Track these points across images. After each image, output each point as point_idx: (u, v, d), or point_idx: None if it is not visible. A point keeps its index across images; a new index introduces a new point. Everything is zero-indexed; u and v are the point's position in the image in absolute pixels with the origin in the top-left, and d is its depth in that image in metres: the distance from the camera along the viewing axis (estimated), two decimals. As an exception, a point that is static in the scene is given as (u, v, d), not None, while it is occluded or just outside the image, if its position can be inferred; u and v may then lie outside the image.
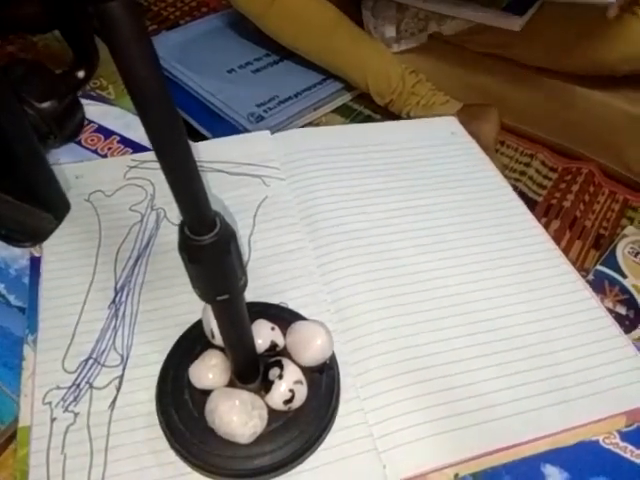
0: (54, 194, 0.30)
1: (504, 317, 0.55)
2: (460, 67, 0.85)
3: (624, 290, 0.61)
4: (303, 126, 0.83)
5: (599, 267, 0.63)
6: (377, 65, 0.80)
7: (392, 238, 0.62)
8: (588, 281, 0.61)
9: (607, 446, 0.48)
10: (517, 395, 0.49)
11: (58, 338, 0.51)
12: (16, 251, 0.58)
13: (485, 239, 0.63)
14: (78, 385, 0.48)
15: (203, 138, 0.79)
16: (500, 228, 0.64)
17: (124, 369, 0.50)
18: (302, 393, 0.45)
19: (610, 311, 0.58)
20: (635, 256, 0.64)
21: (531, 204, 0.72)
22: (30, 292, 0.55)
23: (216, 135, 0.78)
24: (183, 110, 0.82)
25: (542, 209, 0.74)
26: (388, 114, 0.85)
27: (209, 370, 0.45)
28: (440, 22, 0.80)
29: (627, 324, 0.58)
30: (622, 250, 0.65)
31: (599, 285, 0.61)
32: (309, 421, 0.45)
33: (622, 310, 0.59)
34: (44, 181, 0.29)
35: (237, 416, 0.42)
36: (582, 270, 0.65)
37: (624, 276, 0.62)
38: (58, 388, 0.48)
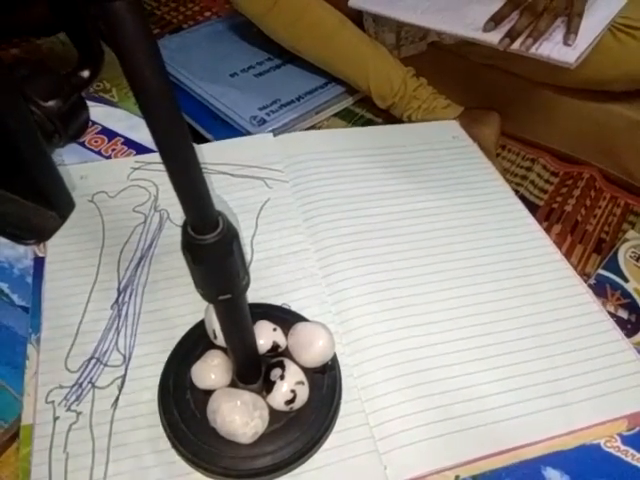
0: (59, 192, 0.30)
1: (505, 320, 0.55)
2: (460, 76, 0.85)
3: (626, 294, 0.61)
4: (305, 130, 0.83)
5: (601, 271, 0.63)
6: (379, 68, 0.80)
7: (394, 241, 0.62)
8: (590, 285, 0.61)
9: (608, 450, 0.47)
10: (518, 398, 0.50)
11: (61, 338, 0.51)
12: (20, 251, 0.58)
13: (486, 242, 0.63)
14: (81, 384, 0.48)
15: (206, 142, 0.79)
16: (501, 232, 0.64)
17: (126, 369, 0.50)
18: (304, 394, 0.46)
19: (612, 315, 0.58)
20: (637, 260, 0.64)
21: (532, 208, 0.72)
22: (34, 292, 0.55)
23: (219, 139, 0.78)
24: (186, 114, 0.82)
25: (543, 213, 0.74)
26: (389, 118, 0.85)
27: (211, 370, 0.45)
28: (440, 31, 0.80)
29: (629, 328, 0.58)
30: (624, 254, 0.65)
31: (601, 289, 0.61)
32: (310, 422, 0.45)
33: (624, 314, 0.59)
34: (49, 178, 0.30)
35: (239, 416, 0.42)
36: (583, 274, 0.66)
37: (626, 280, 0.63)
38: (61, 387, 0.48)
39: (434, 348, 0.53)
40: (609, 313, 0.58)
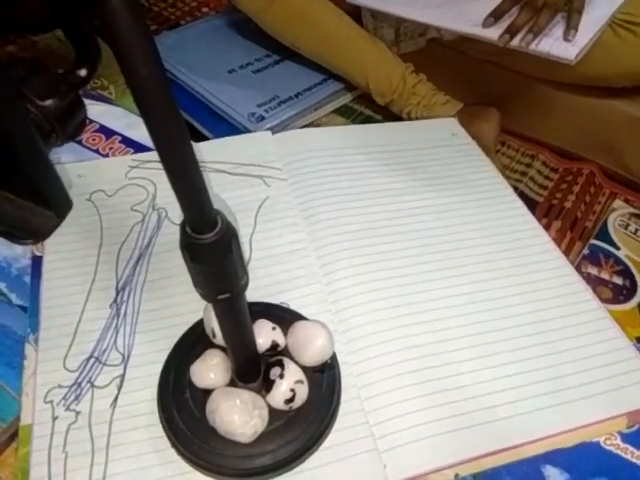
0: (56, 191, 0.30)
1: (504, 318, 0.55)
2: (460, 72, 0.85)
3: (619, 261, 0.63)
4: (304, 126, 0.83)
5: (593, 241, 0.65)
6: (378, 64, 0.80)
7: (393, 239, 0.62)
8: (584, 255, 0.63)
9: (608, 447, 0.48)
10: (518, 396, 0.50)
11: (59, 337, 0.51)
12: (18, 250, 0.58)
13: (485, 240, 0.63)
14: (79, 384, 0.48)
15: (204, 138, 0.79)
16: (500, 229, 0.64)
17: (125, 368, 0.50)
18: (303, 393, 0.45)
19: (607, 282, 0.60)
20: (625, 228, 0.66)
21: (532, 205, 0.72)
22: (32, 291, 0.55)
23: (217, 135, 0.78)
24: (184, 111, 0.82)
25: (543, 210, 0.73)
26: (389, 115, 0.85)
27: (210, 369, 0.45)
28: (439, 27, 0.80)
29: (624, 293, 0.60)
30: (613, 223, 0.67)
31: (595, 258, 0.63)
32: (310, 421, 0.45)
33: (619, 280, 0.61)
34: (46, 178, 0.29)
35: (238, 415, 0.42)
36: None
37: (617, 248, 0.64)
38: (59, 387, 0.48)
39: (433, 346, 0.53)
40: (604, 280, 0.59)
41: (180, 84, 0.86)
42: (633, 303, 0.59)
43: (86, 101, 0.39)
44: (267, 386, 0.45)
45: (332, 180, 0.68)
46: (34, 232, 0.30)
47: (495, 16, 0.66)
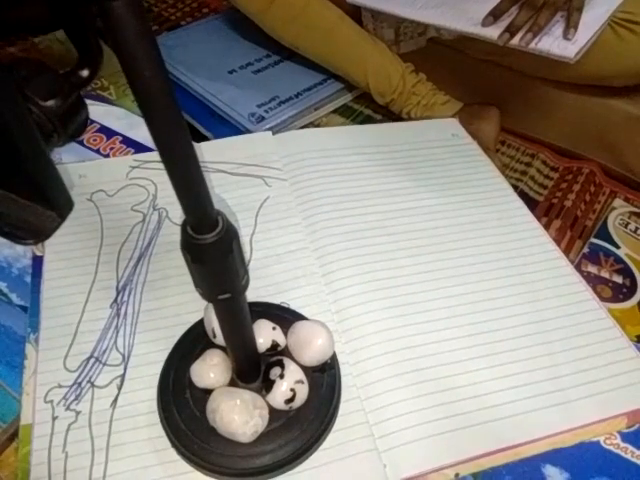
0: (58, 192, 0.30)
1: (504, 318, 0.55)
2: (460, 71, 0.85)
3: (619, 260, 0.63)
4: (303, 126, 0.83)
5: (593, 240, 0.65)
6: (378, 64, 0.80)
7: (393, 239, 0.62)
8: (584, 254, 0.63)
9: (608, 447, 0.48)
10: (517, 396, 0.50)
11: (60, 337, 0.51)
12: (18, 250, 0.58)
13: (485, 240, 0.63)
14: (80, 384, 0.48)
15: (204, 139, 0.79)
16: (500, 229, 0.64)
17: (125, 368, 0.50)
18: (303, 392, 0.46)
19: (607, 281, 0.60)
20: (625, 227, 0.66)
21: (532, 204, 0.72)
22: (32, 291, 0.55)
23: (217, 136, 0.78)
24: (184, 111, 0.82)
25: (543, 209, 0.73)
26: (389, 114, 0.85)
27: (210, 369, 0.45)
28: (439, 27, 0.80)
29: (624, 292, 0.60)
30: (613, 222, 0.67)
31: (595, 257, 0.63)
32: (310, 420, 0.45)
33: (619, 279, 0.61)
34: (48, 179, 0.29)
35: (238, 415, 0.42)
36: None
37: (617, 247, 0.65)
38: (60, 387, 0.48)
39: (433, 346, 0.53)
40: (604, 279, 0.60)
41: (180, 85, 0.87)
42: (633, 301, 0.59)
43: (87, 102, 0.39)
44: (267, 386, 0.45)
45: (332, 180, 0.68)
46: (36, 232, 0.31)
47: (495, 15, 0.66)
